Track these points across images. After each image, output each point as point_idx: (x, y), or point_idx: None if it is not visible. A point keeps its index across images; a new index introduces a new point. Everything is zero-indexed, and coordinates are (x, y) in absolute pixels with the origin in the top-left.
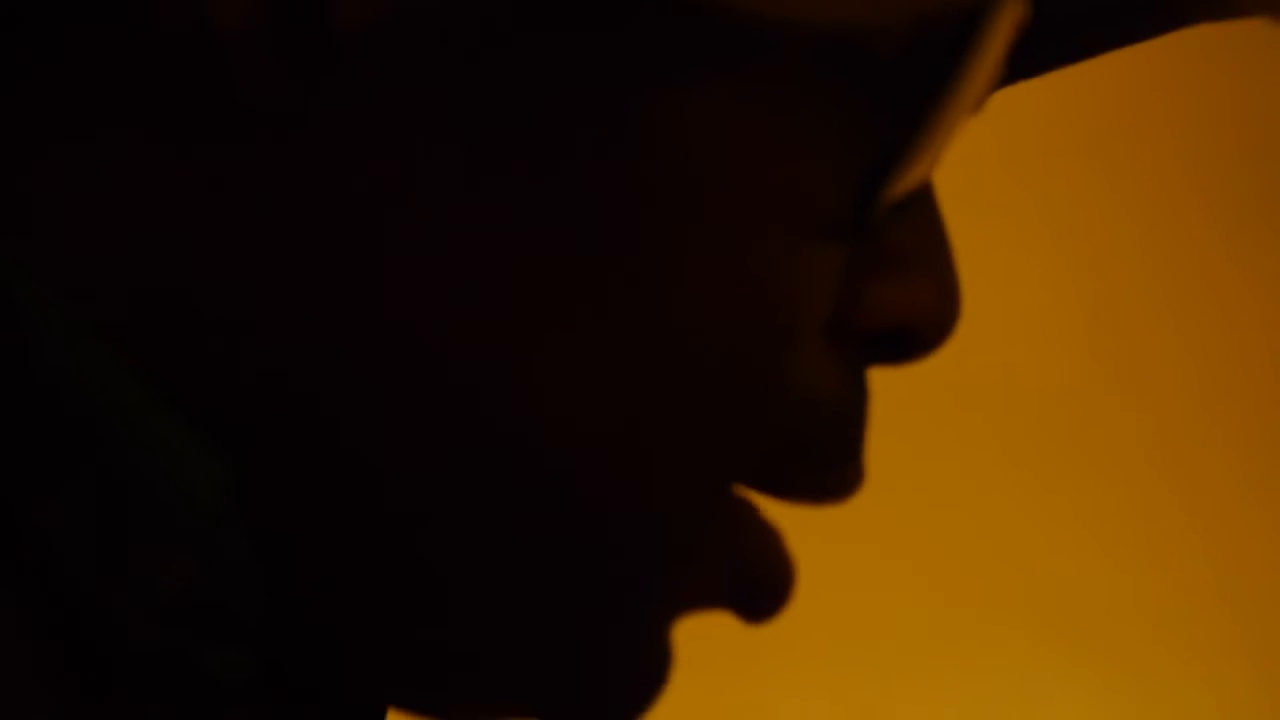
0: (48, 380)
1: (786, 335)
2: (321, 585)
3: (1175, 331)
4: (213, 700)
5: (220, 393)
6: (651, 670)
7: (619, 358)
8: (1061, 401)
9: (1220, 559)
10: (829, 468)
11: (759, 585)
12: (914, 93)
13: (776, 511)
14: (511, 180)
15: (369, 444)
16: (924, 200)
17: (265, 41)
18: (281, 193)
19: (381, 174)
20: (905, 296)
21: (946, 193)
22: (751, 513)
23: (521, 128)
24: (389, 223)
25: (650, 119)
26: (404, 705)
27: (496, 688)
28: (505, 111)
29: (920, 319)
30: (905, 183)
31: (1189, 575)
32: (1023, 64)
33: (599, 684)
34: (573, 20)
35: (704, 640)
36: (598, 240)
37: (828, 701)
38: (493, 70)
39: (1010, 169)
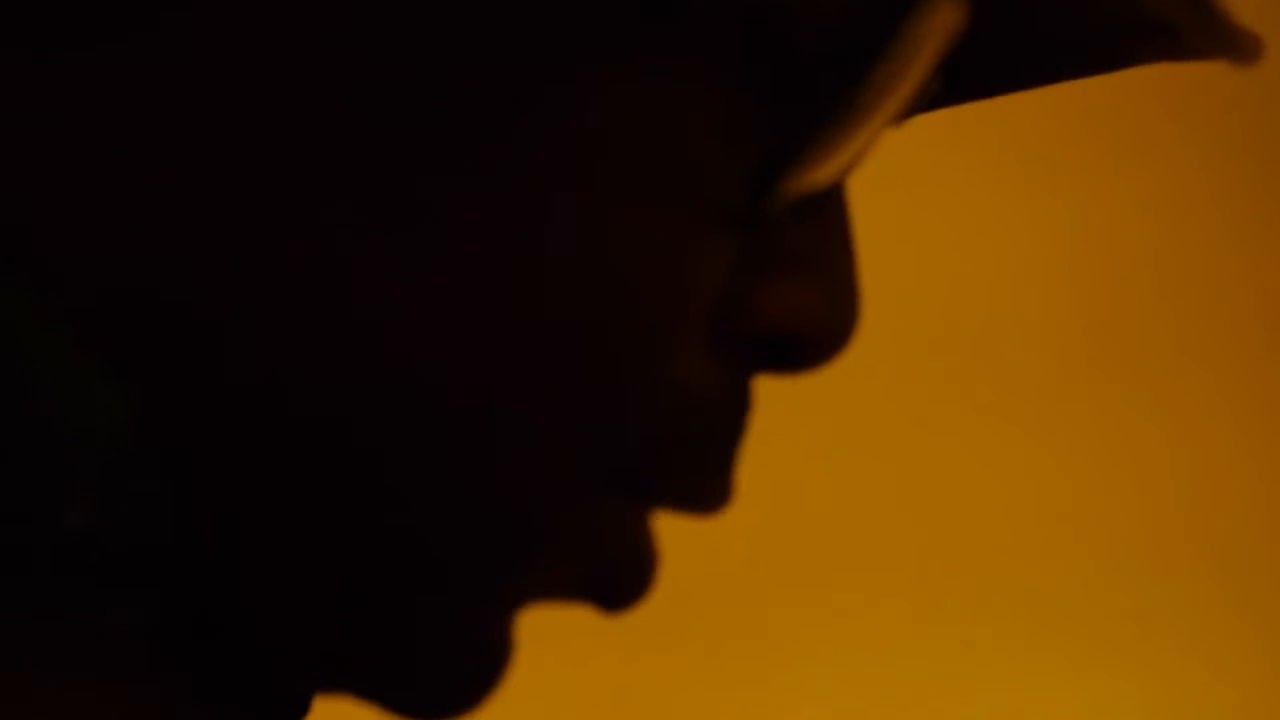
0: None
1: (661, 325)
2: (225, 524)
3: (1173, 313)
4: (115, 655)
5: (114, 315)
6: (488, 660)
7: (485, 316)
8: (1057, 386)
9: (1220, 555)
10: (695, 476)
11: (617, 576)
12: (825, 88)
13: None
14: (388, 135)
15: (264, 374)
16: (832, 203)
17: None
18: (163, 112)
19: (266, 108)
20: (795, 300)
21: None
22: (615, 507)
23: (412, 95)
24: (254, 146)
25: (544, 91)
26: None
27: (338, 659)
28: (395, 84)
29: (809, 325)
30: (808, 181)
31: (1188, 568)
32: (965, 85)
33: (433, 670)
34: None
35: (700, 640)
36: (470, 205)
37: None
38: (389, 38)
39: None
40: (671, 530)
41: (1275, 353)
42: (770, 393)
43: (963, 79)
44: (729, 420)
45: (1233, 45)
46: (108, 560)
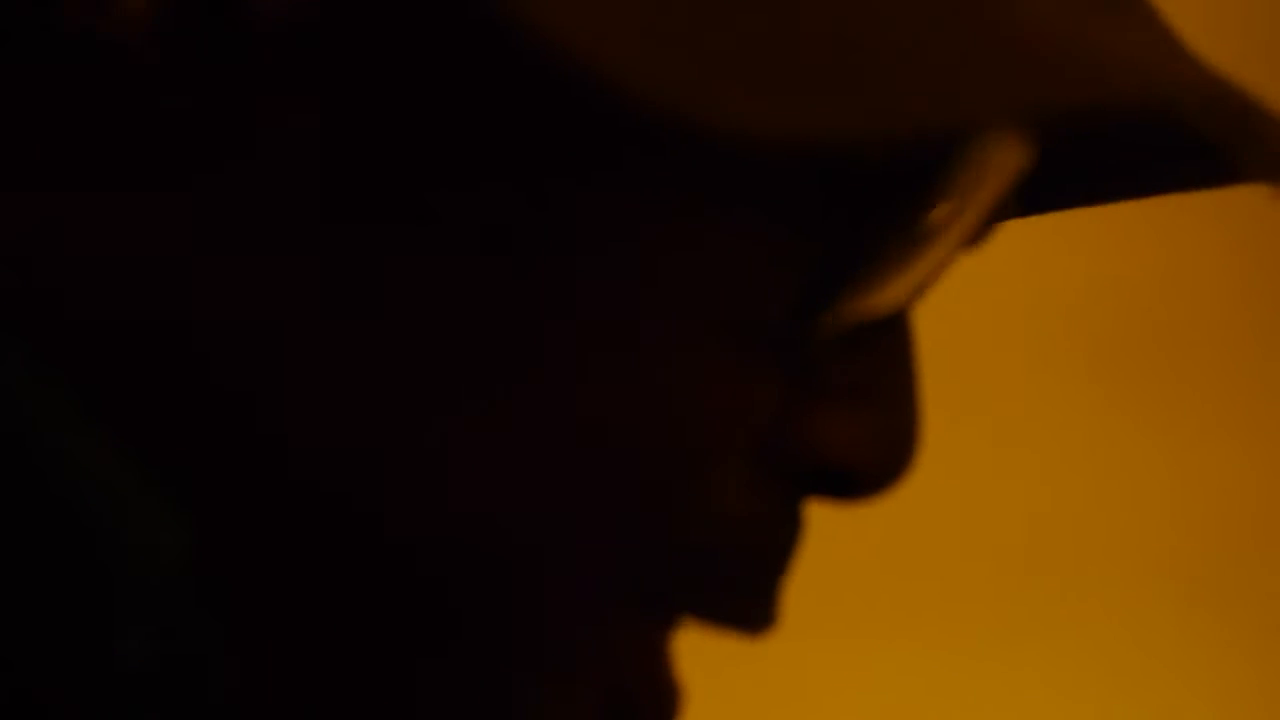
0: None
1: (706, 454)
2: (284, 656)
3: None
4: None
5: (179, 442)
6: None
7: (530, 456)
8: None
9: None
10: (739, 598)
11: (639, 710)
12: (879, 215)
13: None
14: (414, 267)
15: (326, 504)
16: (895, 333)
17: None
18: (218, 225)
19: (300, 221)
20: (846, 434)
21: None
22: (649, 634)
23: (428, 217)
24: (298, 267)
25: (578, 215)
26: None
27: None
28: (411, 197)
29: (860, 460)
30: (866, 309)
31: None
32: (1030, 201)
33: None
34: (502, 115)
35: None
36: (502, 337)
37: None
38: (403, 157)
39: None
40: None
41: (1268, 361)
42: None
43: (1032, 194)
44: (775, 545)
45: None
46: (163, 692)
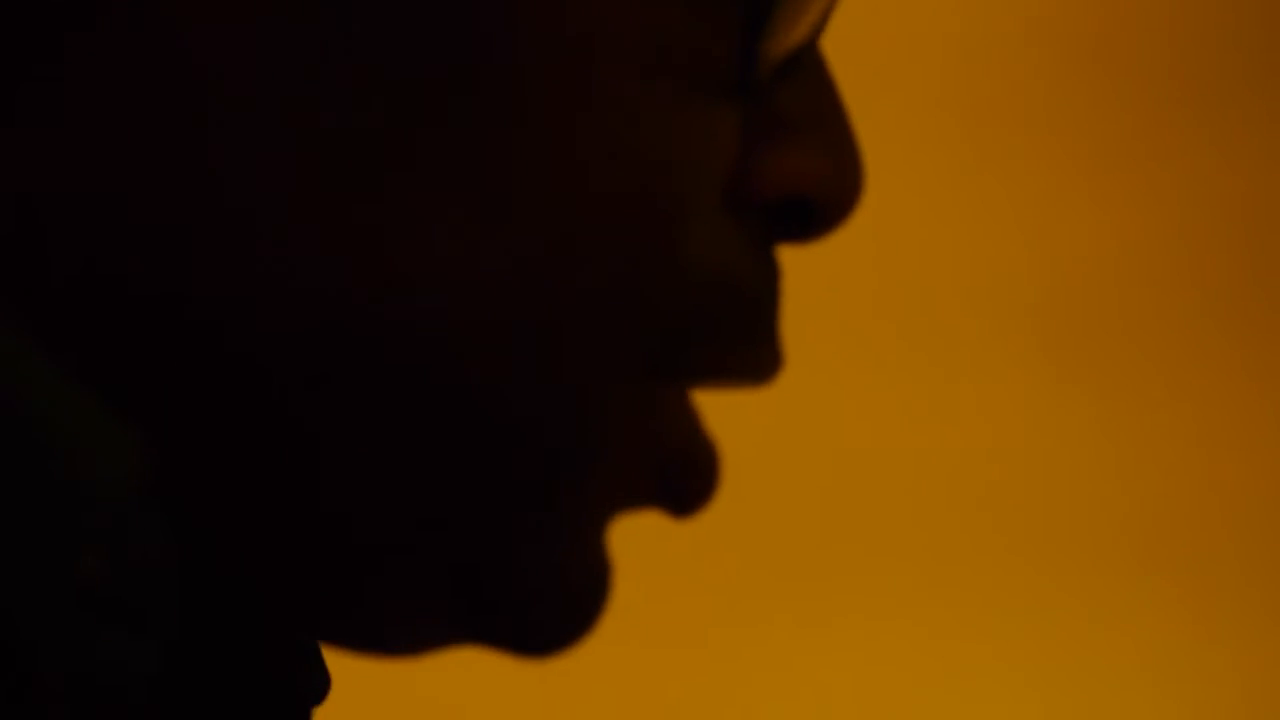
0: None
1: (675, 203)
2: (234, 551)
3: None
4: (116, 697)
5: (118, 356)
6: (587, 573)
7: (492, 226)
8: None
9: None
10: (741, 346)
11: (686, 472)
12: None
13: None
14: (353, 33)
15: (258, 361)
16: (815, 63)
17: None
18: (94, 97)
19: (175, 53)
20: (801, 164)
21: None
22: (667, 397)
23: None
24: (210, 99)
25: None
26: (328, 638)
27: (426, 602)
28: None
29: (818, 187)
30: (791, 38)
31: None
32: None
33: (533, 587)
34: None
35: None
36: (445, 101)
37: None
38: None
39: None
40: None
41: (1217, 336)
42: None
43: None
44: (762, 287)
45: None
46: (118, 608)
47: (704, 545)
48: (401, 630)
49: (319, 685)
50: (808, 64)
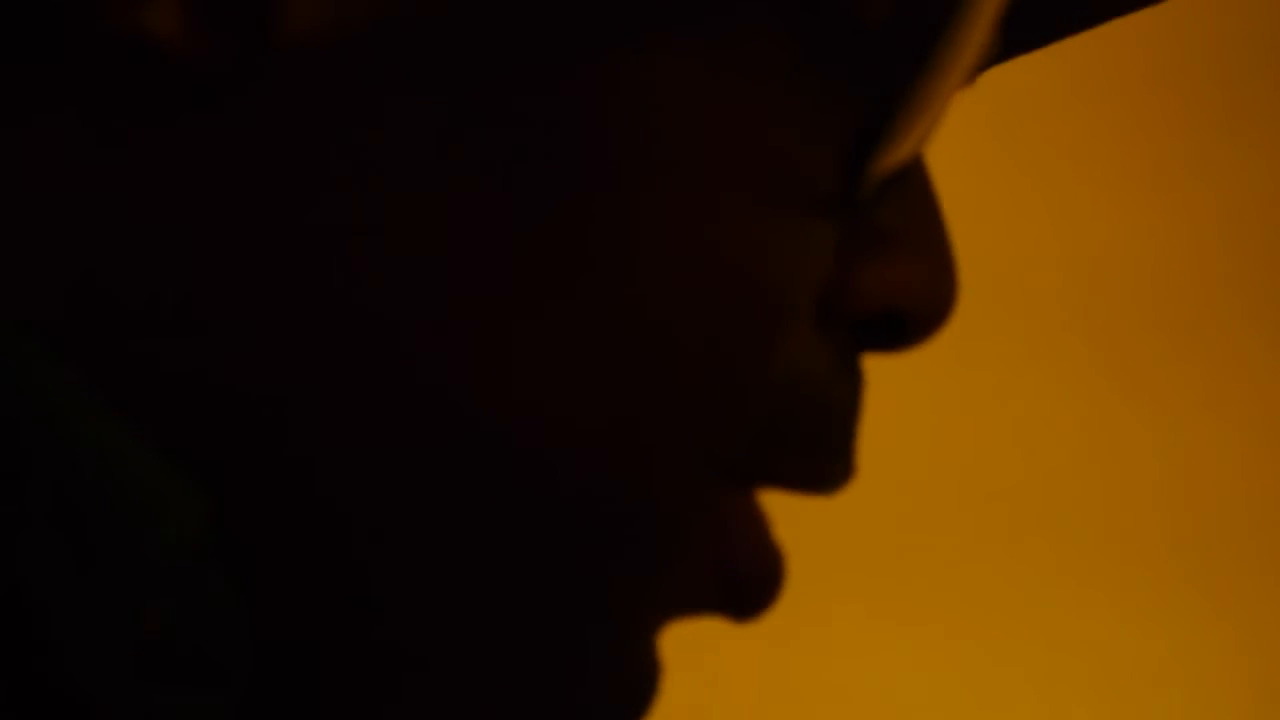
0: None
1: (772, 318)
2: (302, 620)
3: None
4: None
5: (184, 412)
6: (641, 680)
7: (594, 345)
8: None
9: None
10: (817, 458)
11: (749, 580)
12: (900, 58)
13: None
14: (472, 164)
15: (347, 455)
16: (915, 176)
17: (202, 30)
18: (230, 182)
19: (335, 161)
20: (897, 277)
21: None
22: (739, 502)
23: (479, 110)
24: (347, 212)
25: (614, 90)
26: None
27: (482, 706)
28: (463, 95)
29: (913, 301)
30: (894, 156)
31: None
32: (1019, 35)
33: (586, 697)
34: None
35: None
36: (564, 223)
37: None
38: (449, 53)
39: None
40: None
41: (1247, 335)
42: None
43: (1015, 31)
44: (843, 400)
45: None
46: (183, 664)
47: None
48: None
49: None
50: (910, 177)
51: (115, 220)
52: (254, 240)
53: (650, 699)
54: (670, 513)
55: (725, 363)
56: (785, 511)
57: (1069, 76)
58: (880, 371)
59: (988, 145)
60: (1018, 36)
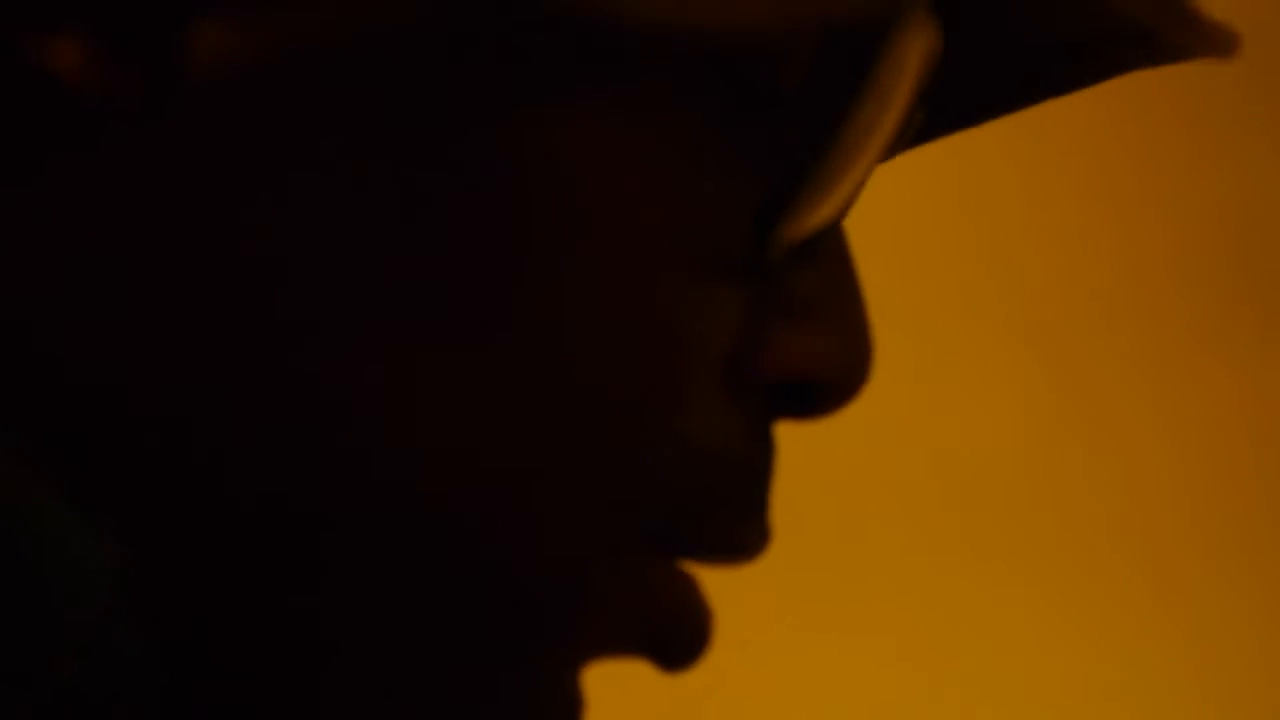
0: None
1: (682, 378)
2: (218, 671)
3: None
4: None
5: (104, 468)
6: (557, 716)
7: (502, 394)
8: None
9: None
10: (731, 524)
11: (674, 635)
12: (812, 125)
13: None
14: (382, 210)
15: (260, 497)
16: (833, 244)
17: (107, 64)
18: (142, 212)
19: (245, 192)
20: (810, 345)
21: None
22: (660, 566)
23: (393, 149)
24: (259, 244)
25: (526, 149)
26: None
27: None
28: (376, 140)
29: (826, 369)
30: (807, 223)
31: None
32: (950, 113)
33: None
34: (435, 47)
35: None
36: (474, 275)
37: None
38: (365, 99)
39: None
40: None
41: (1205, 339)
42: None
43: (948, 107)
44: (755, 466)
45: (1210, 43)
46: (92, 715)
47: None
48: None
49: None
50: (826, 244)
51: (26, 250)
52: (165, 273)
53: None
54: (582, 566)
55: (634, 420)
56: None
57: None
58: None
59: (956, 155)
60: (946, 113)
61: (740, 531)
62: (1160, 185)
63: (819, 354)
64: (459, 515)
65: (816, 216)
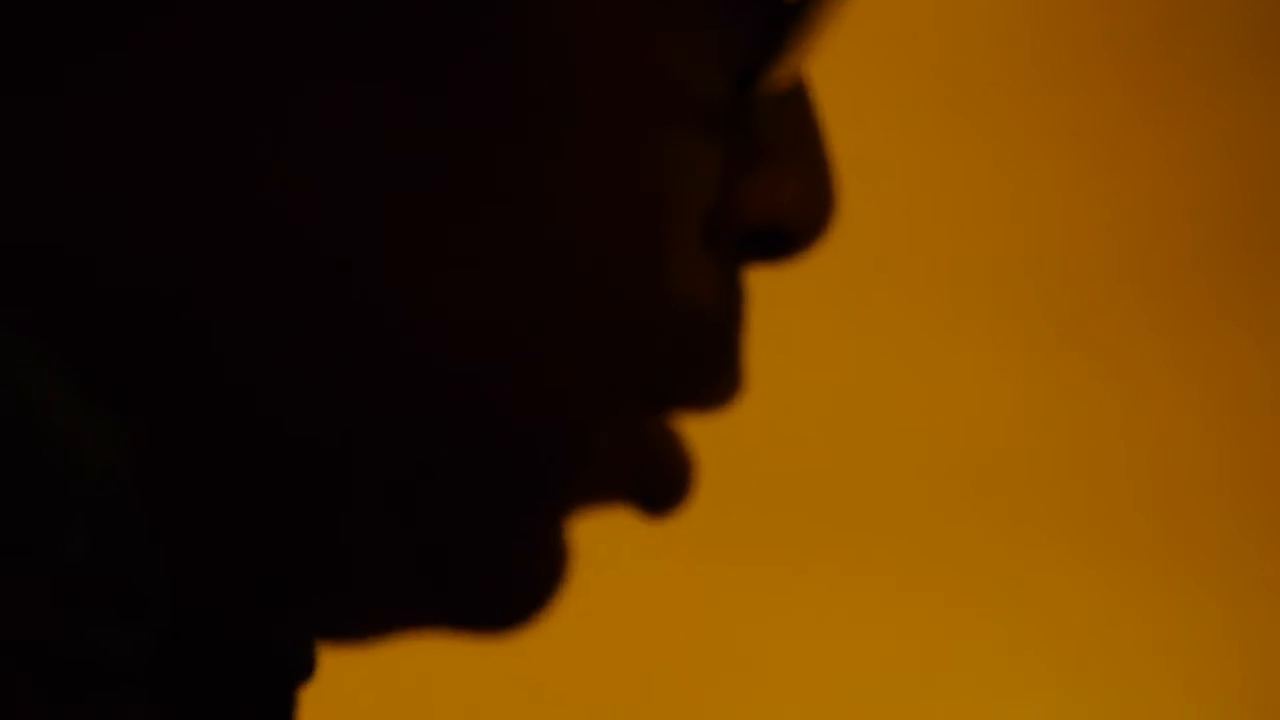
0: None
1: (662, 237)
2: (231, 539)
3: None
4: (112, 688)
5: (109, 344)
6: (551, 565)
7: (498, 256)
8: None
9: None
10: (709, 375)
11: (661, 482)
12: None
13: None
14: (380, 77)
15: (264, 373)
16: (797, 93)
17: None
18: (134, 109)
19: (240, 74)
20: (776, 192)
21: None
22: (651, 421)
23: (386, 24)
24: (251, 132)
25: (521, 6)
26: (310, 628)
27: (398, 589)
28: (364, 26)
29: (792, 215)
30: (782, 73)
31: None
32: None
33: (498, 579)
34: None
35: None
36: (470, 136)
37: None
38: None
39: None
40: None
41: (1215, 309)
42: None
43: None
44: (729, 314)
45: None
46: (103, 590)
47: (707, 518)
48: (367, 614)
49: (304, 665)
50: (790, 93)
51: (29, 168)
52: (173, 171)
53: (556, 579)
54: (580, 420)
55: (622, 277)
56: (770, 491)
57: (1029, 46)
58: (848, 346)
59: (958, 124)
60: None
61: (716, 381)
62: (1174, 153)
63: (783, 198)
64: (461, 375)
65: (786, 68)
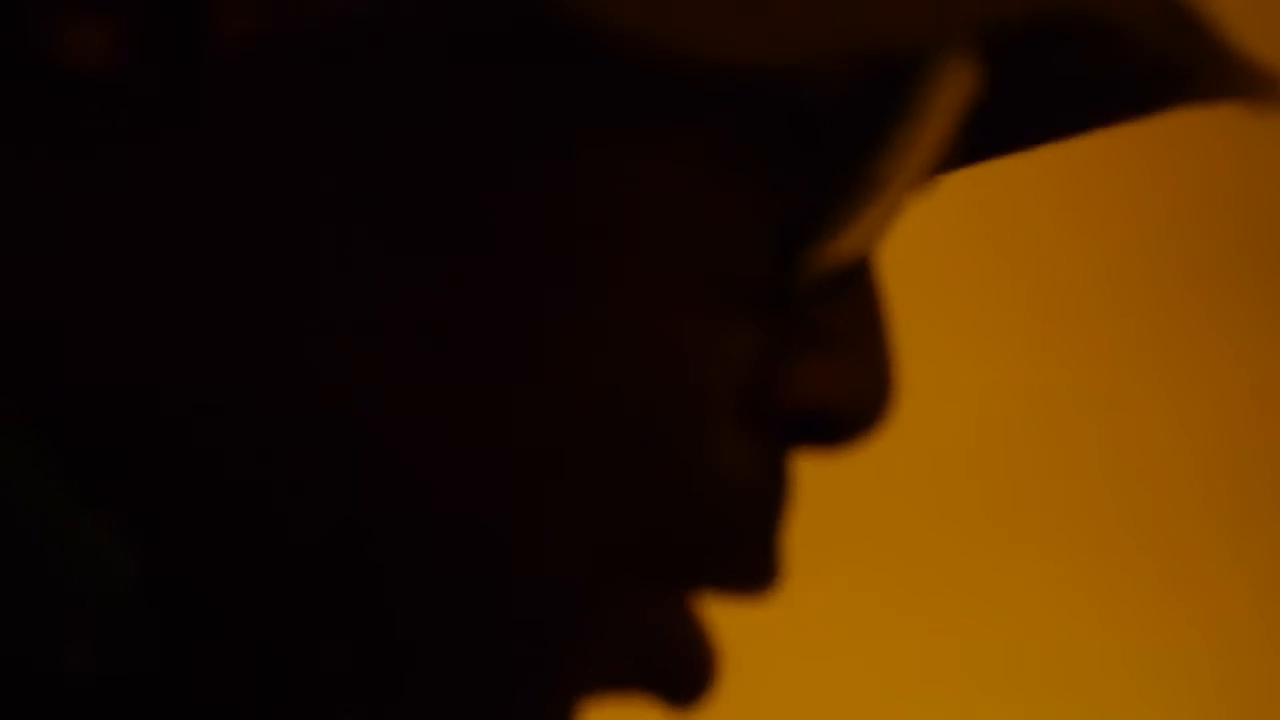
0: None
1: (698, 411)
2: (230, 662)
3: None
4: None
5: (120, 466)
6: None
7: (516, 421)
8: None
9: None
10: (742, 557)
11: (676, 670)
12: (841, 158)
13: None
14: (413, 232)
15: (276, 505)
16: (861, 277)
17: (135, 54)
18: (161, 220)
19: (263, 172)
20: (829, 378)
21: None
22: (664, 601)
23: (425, 181)
24: (270, 254)
25: (555, 176)
26: None
27: None
28: (408, 162)
29: (844, 403)
30: (833, 256)
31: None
32: (981, 144)
33: None
34: (471, 78)
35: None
36: (499, 302)
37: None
38: (396, 104)
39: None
40: None
41: (1211, 316)
42: None
43: (982, 137)
44: (770, 499)
45: (1249, 85)
46: (103, 701)
47: None
48: None
49: None
50: (852, 276)
51: (46, 249)
52: (181, 271)
53: None
54: (587, 593)
55: (650, 448)
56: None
57: None
58: None
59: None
60: (981, 143)
61: (751, 565)
62: (1168, 162)
63: (830, 387)
64: (471, 537)
65: (843, 249)
